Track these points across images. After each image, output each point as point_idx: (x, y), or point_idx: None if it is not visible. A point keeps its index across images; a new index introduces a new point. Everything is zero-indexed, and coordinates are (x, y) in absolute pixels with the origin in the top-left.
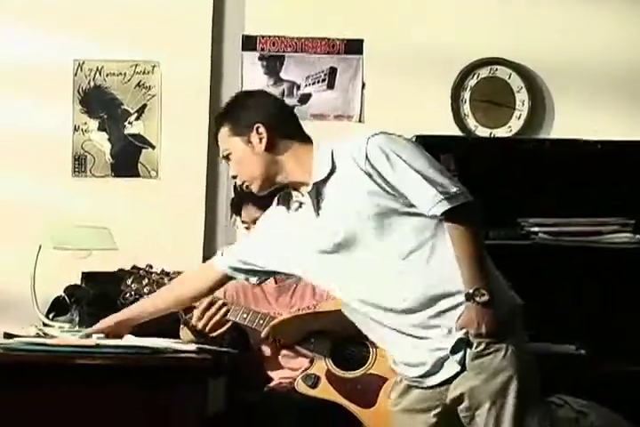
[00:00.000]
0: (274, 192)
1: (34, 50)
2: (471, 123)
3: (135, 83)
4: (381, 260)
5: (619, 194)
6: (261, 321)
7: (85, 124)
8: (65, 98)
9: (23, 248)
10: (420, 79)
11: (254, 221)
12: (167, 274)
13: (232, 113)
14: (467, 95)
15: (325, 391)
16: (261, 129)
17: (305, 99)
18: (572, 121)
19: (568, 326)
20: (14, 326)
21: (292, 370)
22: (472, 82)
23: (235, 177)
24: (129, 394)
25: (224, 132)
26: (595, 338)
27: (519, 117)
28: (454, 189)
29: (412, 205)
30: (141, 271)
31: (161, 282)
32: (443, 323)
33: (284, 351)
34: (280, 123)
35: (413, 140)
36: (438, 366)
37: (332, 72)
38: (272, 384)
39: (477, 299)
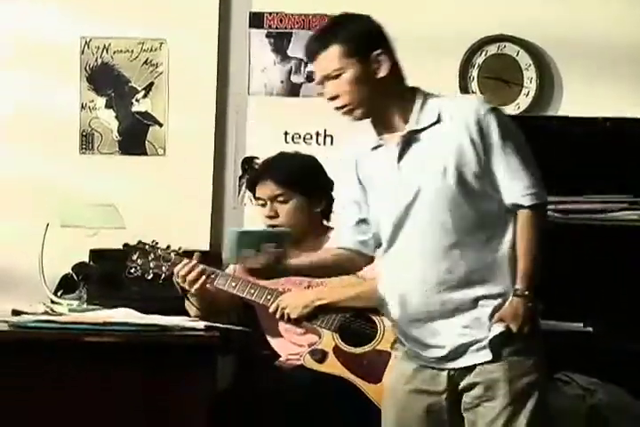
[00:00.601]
0: (306, 169)
1: (41, 27)
2: None
3: (142, 60)
4: (440, 228)
5: (628, 171)
6: (269, 296)
7: (92, 101)
8: (72, 75)
9: (31, 226)
10: (427, 56)
11: (272, 199)
12: (173, 250)
13: (348, 34)
14: (475, 72)
15: (333, 367)
16: (383, 57)
17: (312, 76)
18: (580, 98)
19: (576, 303)
20: (23, 303)
21: (300, 346)
22: (480, 59)
23: (334, 98)
24: (137, 371)
25: (335, 51)
26: (603, 316)
27: (527, 95)
28: (541, 187)
29: (493, 189)
30: (147, 247)
31: (167, 257)
32: (473, 309)
33: (291, 327)
34: (396, 57)
35: None
36: (460, 351)
37: None
38: (280, 361)
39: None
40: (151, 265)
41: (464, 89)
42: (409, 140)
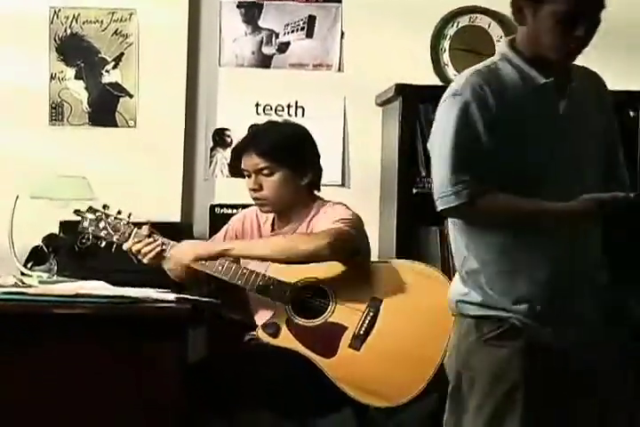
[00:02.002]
0: (291, 141)
1: None
2: (450, 72)
3: (112, 31)
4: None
5: None
6: (220, 267)
7: (62, 72)
8: (41, 46)
9: (0, 198)
10: (399, 28)
11: (257, 171)
12: (122, 218)
13: None
14: (446, 44)
15: (286, 340)
16: None
17: (284, 47)
18: None
19: None
20: None
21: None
22: (452, 31)
23: None
24: (107, 343)
25: None
26: None
27: None
28: None
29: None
30: (98, 214)
31: (117, 227)
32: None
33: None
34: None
35: (393, 89)
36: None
37: (311, 20)
38: (249, 335)
39: None
40: (102, 234)
41: (435, 61)
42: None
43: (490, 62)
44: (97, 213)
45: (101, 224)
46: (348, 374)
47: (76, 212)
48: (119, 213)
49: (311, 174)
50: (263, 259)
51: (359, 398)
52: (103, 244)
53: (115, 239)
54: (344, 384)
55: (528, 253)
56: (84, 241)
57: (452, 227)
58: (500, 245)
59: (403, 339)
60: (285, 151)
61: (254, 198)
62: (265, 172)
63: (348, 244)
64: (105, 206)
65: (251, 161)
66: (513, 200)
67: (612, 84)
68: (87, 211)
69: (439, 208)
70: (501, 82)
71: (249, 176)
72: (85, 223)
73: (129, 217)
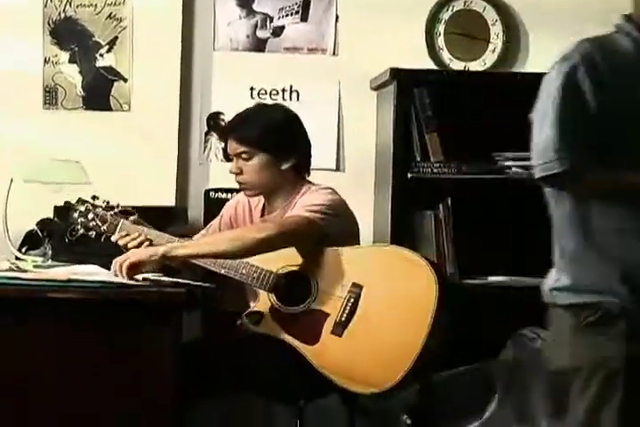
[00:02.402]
0: (269, 127)
1: None
2: (445, 56)
3: (106, 14)
4: None
5: None
6: None
7: (56, 56)
8: (35, 29)
9: None
10: (394, 12)
11: (237, 155)
12: (111, 208)
13: None
14: (441, 28)
15: (269, 327)
16: None
17: (278, 31)
18: (547, 54)
19: (542, 258)
20: None
21: None
22: (447, 15)
23: None
24: (102, 328)
25: None
26: None
27: (494, 51)
28: None
29: None
30: (87, 205)
31: (104, 217)
32: None
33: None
34: None
35: (387, 73)
36: None
37: (306, 4)
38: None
39: None
40: (90, 225)
41: (430, 45)
42: None
43: (603, 34)
44: (85, 204)
45: (90, 215)
46: (332, 361)
47: (67, 204)
48: (107, 203)
49: (294, 159)
50: (215, 256)
51: (342, 384)
52: (93, 235)
53: (103, 230)
54: (327, 371)
55: (625, 236)
56: (73, 233)
57: (554, 207)
58: (597, 229)
59: (383, 324)
60: (264, 136)
61: (237, 182)
62: (244, 156)
63: (306, 231)
64: (94, 197)
65: (231, 145)
66: (619, 171)
67: None
68: (77, 202)
69: (538, 175)
70: (615, 49)
71: (232, 160)
72: (75, 215)
73: (117, 207)
